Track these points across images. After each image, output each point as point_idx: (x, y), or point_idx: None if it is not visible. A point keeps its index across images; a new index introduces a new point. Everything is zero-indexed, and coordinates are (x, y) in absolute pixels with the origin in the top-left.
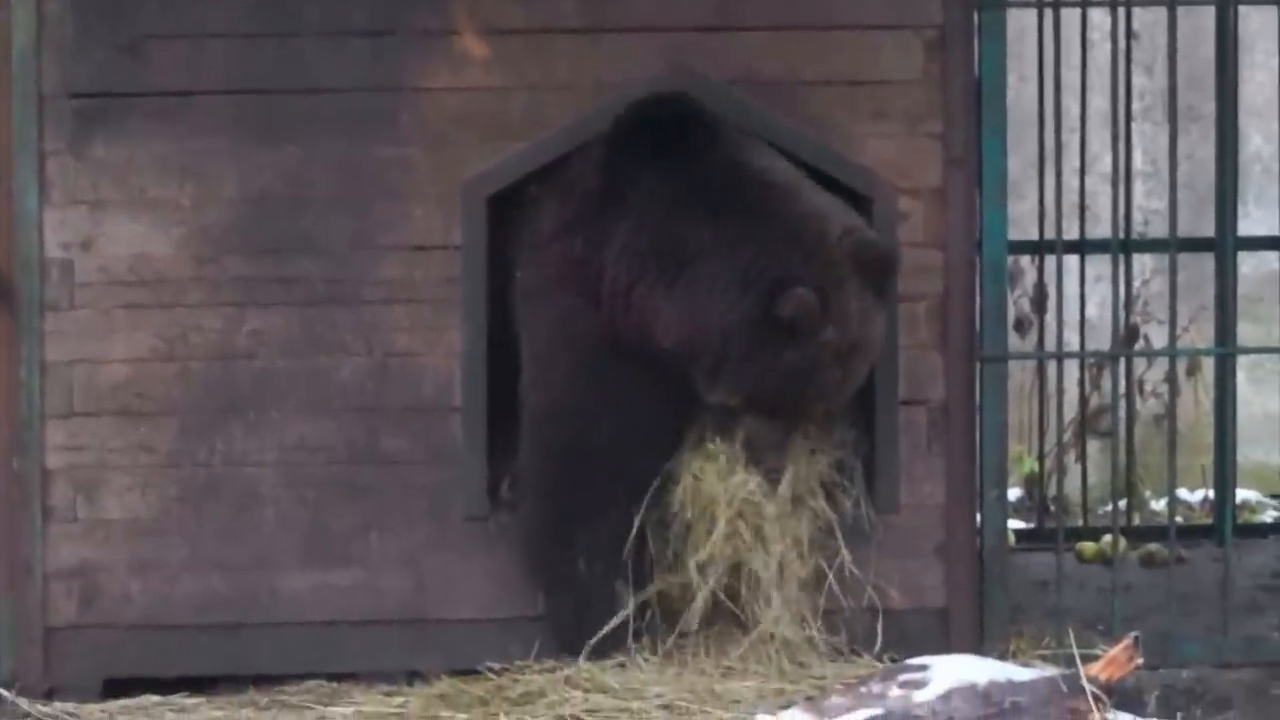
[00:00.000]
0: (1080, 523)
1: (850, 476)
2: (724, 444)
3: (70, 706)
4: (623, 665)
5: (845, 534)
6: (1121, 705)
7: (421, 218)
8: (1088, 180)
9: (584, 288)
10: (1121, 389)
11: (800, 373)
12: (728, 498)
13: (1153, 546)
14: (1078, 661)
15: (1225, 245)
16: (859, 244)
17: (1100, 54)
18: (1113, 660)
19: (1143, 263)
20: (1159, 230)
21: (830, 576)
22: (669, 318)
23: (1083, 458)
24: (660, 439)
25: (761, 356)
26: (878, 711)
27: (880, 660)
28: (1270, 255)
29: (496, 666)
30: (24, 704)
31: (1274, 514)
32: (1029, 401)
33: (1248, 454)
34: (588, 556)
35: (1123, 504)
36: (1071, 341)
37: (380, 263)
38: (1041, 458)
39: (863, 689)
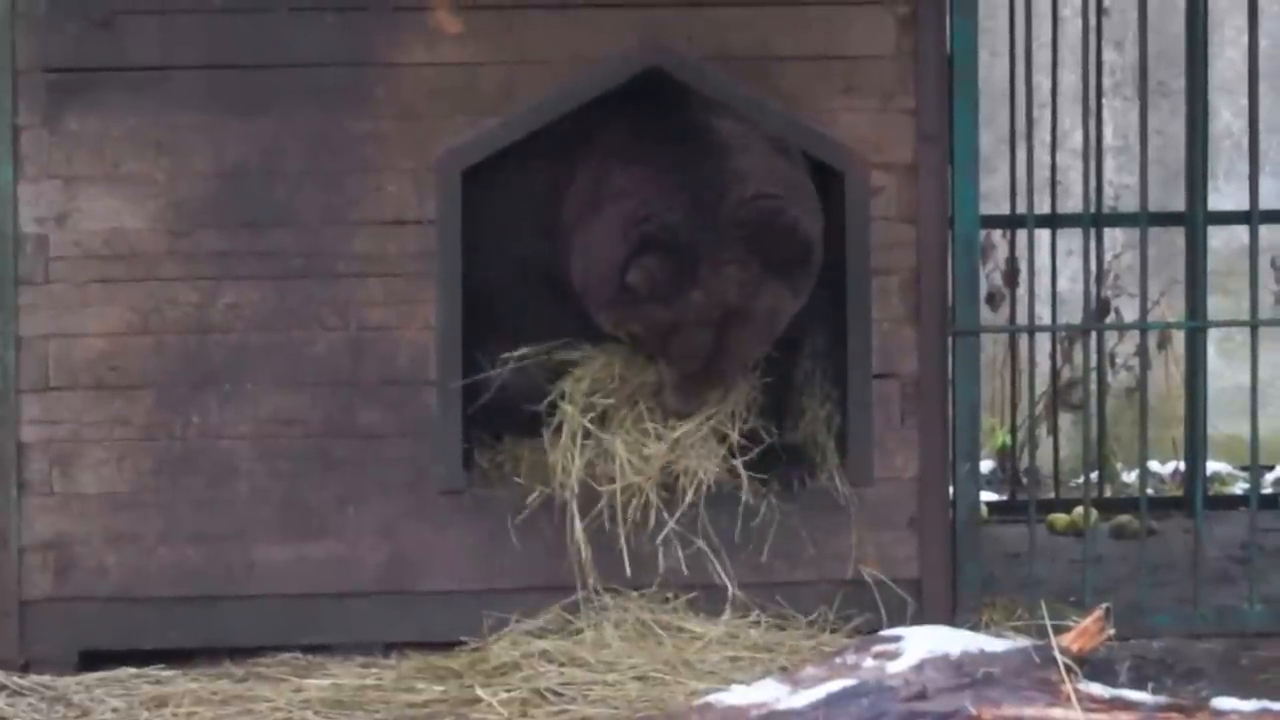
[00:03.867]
0: (1052, 495)
1: (823, 450)
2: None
3: (46, 679)
4: (582, 631)
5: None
6: (1093, 676)
7: (395, 192)
8: (1059, 155)
9: (541, 225)
10: (1093, 362)
11: (664, 330)
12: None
13: (1124, 518)
14: (1050, 632)
15: (1196, 220)
16: (760, 211)
17: (1071, 30)
18: (1084, 631)
19: (1114, 237)
20: (1130, 205)
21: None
22: (575, 254)
23: (1054, 430)
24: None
25: (627, 307)
26: (852, 682)
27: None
28: (1240, 229)
29: (472, 640)
30: (0, 677)
31: (1244, 486)
32: (1001, 375)
33: (1218, 426)
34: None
35: (1094, 476)
36: (1043, 315)
37: (354, 236)
38: (1014, 430)
39: (837, 660)
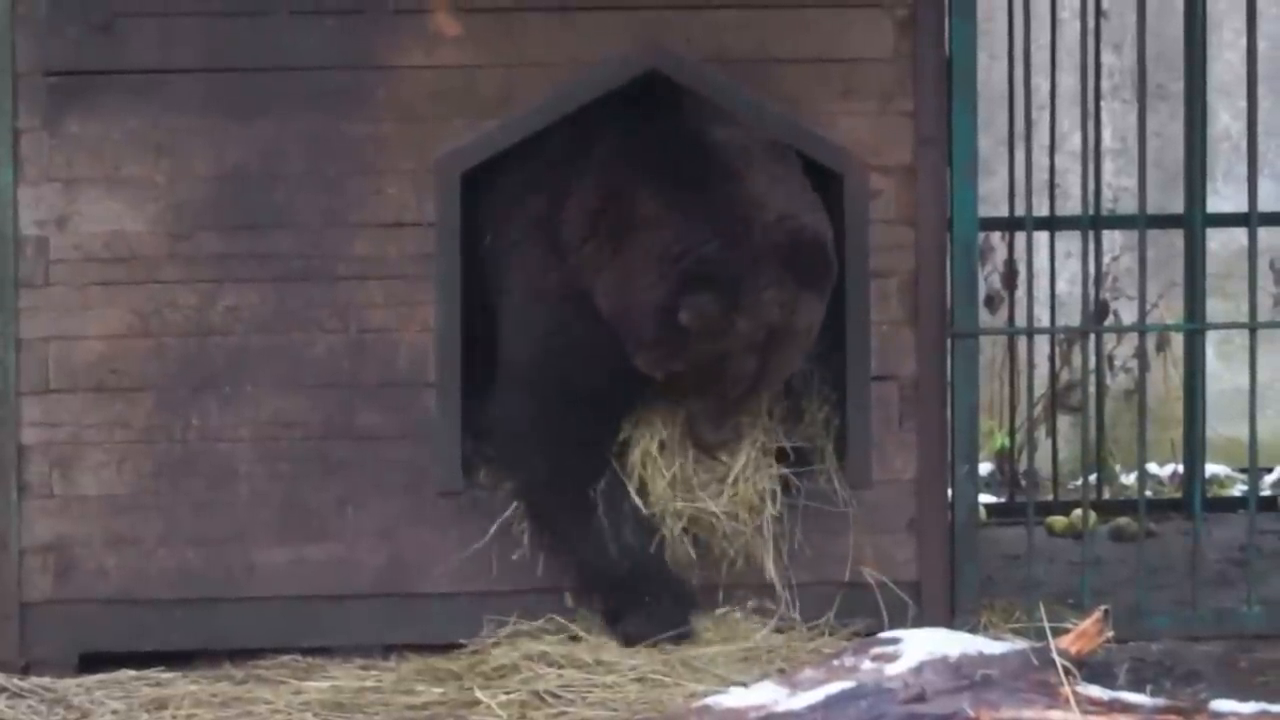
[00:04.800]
0: (1051, 497)
1: (822, 452)
2: (663, 425)
3: (46, 681)
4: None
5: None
6: (1092, 678)
7: (395, 194)
8: (1058, 158)
9: (549, 242)
10: (1092, 364)
11: (711, 362)
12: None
13: (1122, 520)
14: (1048, 635)
15: (1194, 222)
16: (788, 233)
17: (1070, 32)
18: (1083, 633)
19: (1112, 239)
20: (1128, 207)
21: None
22: (606, 285)
23: (1053, 432)
24: (635, 379)
25: (671, 344)
26: (850, 684)
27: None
28: (1238, 231)
29: (471, 642)
30: (0, 679)
31: (1243, 488)
32: (1000, 377)
33: (1217, 428)
34: (591, 499)
35: (1093, 478)
36: (1042, 317)
37: (354, 239)
38: (1012, 433)
39: (835, 662)
